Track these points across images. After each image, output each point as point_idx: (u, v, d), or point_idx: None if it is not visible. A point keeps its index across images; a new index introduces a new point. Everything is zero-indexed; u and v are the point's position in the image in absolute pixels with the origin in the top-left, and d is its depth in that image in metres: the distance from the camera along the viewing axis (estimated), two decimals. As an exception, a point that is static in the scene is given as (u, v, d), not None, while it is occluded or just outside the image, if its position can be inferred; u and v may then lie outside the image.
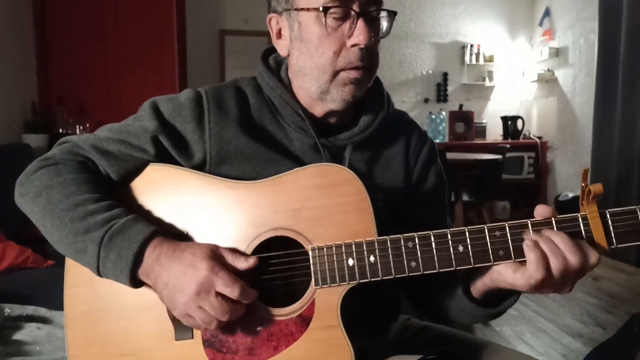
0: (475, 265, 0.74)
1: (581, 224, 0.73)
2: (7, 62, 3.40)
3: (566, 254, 0.69)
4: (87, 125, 3.82)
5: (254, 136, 0.88)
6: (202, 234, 0.82)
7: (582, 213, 0.73)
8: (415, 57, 5.48)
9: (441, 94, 5.51)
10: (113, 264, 0.75)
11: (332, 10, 0.81)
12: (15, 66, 3.53)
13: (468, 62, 5.47)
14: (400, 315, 1.04)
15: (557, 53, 5.09)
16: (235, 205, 0.82)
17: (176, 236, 0.80)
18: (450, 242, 0.74)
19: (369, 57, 0.84)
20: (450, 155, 3.80)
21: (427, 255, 0.74)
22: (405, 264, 0.75)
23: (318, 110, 0.90)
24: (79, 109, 3.92)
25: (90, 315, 0.81)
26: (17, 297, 1.77)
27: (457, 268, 0.74)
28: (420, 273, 0.75)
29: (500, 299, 0.82)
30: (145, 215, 0.82)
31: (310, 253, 0.77)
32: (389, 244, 0.75)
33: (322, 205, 0.79)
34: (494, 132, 5.58)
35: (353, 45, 0.82)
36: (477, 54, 5.48)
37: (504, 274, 0.74)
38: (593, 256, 0.70)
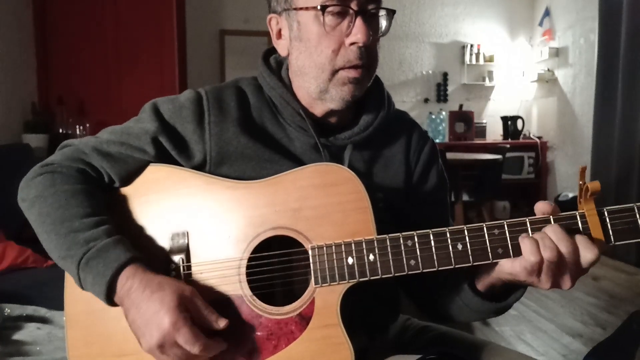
0: (475, 264, 0.74)
1: (579, 222, 0.73)
2: (7, 62, 3.40)
3: (556, 241, 0.70)
4: (87, 125, 3.82)
5: (254, 136, 0.88)
6: (202, 234, 0.82)
7: (580, 211, 0.73)
8: (415, 57, 5.48)
9: (441, 94, 5.51)
10: (91, 287, 0.76)
11: (330, 8, 0.81)
12: (15, 66, 3.53)
13: (468, 62, 5.47)
14: (400, 315, 1.04)
15: (557, 53, 5.09)
16: (234, 205, 0.82)
17: (175, 237, 0.80)
18: (449, 240, 0.74)
19: (368, 55, 0.84)
20: (450, 155, 3.81)
21: (427, 253, 0.74)
22: (405, 262, 0.75)
23: (318, 110, 0.90)
24: (79, 109, 3.92)
25: (90, 315, 0.81)
26: (17, 297, 1.77)
27: (456, 266, 0.74)
28: (419, 271, 0.75)
29: (505, 295, 0.83)
30: (146, 216, 0.83)
31: (309, 252, 0.77)
32: (388, 243, 0.75)
33: (321, 204, 0.79)
34: (494, 132, 5.58)
35: (352, 44, 0.82)
36: (477, 54, 5.48)
37: (503, 263, 0.75)
38: (589, 251, 0.70)
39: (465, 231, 0.74)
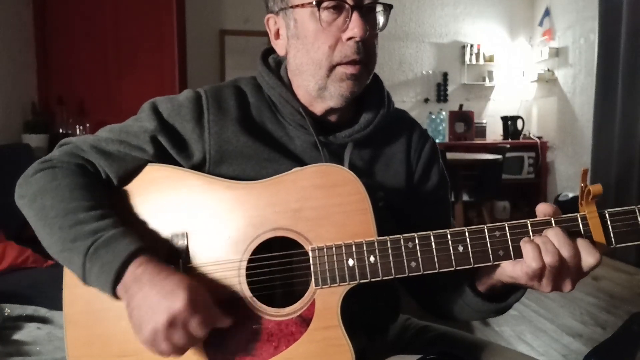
0: (475, 266, 0.74)
1: (580, 224, 0.73)
2: (7, 62, 3.40)
3: (558, 246, 0.70)
4: (87, 125, 3.82)
5: (253, 135, 0.88)
6: (202, 235, 0.82)
7: (581, 213, 0.73)
8: (415, 57, 5.48)
9: (441, 94, 5.50)
10: (96, 277, 0.74)
11: (325, 3, 0.81)
12: (15, 66, 3.53)
13: (468, 62, 5.47)
14: (400, 315, 1.04)
15: (557, 53, 5.09)
16: (234, 205, 0.82)
17: (174, 236, 0.79)
18: (450, 242, 0.74)
19: (366, 51, 0.84)
20: (450, 155, 3.80)
21: (427, 255, 0.74)
22: (405, 264, 0.75)
23: (318, 108, 0.90)
24: (79, 109, 3.92)
25: (90, 315, 0.81)
26: (17, 297, 1.77)
27: (457, 268, 0.74)
28: (420, 273, 0.75)
29: (506, 295, 0.83)
30: (145, 216, 0.82)
31: (310, 253, 0.77)
32: (389, 244, 0.75)
33: (322, 205, 0.79)
34: (494, 132, 5.58)
35: (349, 39, 0.82)
36: (477, 54, 5.47)
37: (504, 267, 0.75)
38: (591, 255, 0.70)
39: (466, 233, 0.74)
